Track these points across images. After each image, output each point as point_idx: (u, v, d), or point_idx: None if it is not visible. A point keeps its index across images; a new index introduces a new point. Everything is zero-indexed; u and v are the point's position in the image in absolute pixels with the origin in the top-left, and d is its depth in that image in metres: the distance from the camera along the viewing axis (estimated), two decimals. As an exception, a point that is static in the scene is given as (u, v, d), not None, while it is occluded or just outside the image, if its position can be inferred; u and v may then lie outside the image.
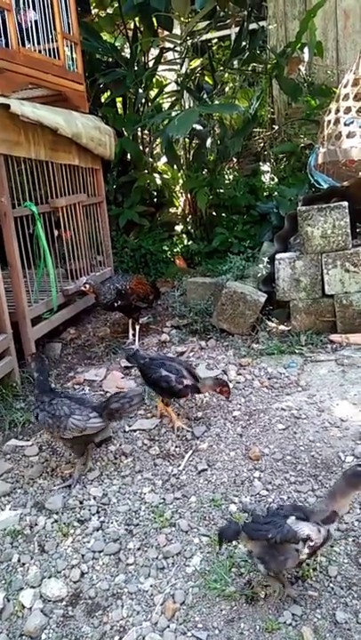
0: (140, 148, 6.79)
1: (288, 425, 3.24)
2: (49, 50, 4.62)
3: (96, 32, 6.32)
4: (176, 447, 3.17)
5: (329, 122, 4.81)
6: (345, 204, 4.24)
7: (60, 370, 4.46)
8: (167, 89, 6.98)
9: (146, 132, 7.01)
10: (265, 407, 3.48)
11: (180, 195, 7.17)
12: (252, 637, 2.00)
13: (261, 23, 6.60)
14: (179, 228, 7.07)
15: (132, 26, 6.66)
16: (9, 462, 3.22)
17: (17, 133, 4.02)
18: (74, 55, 5.08)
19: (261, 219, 6.04)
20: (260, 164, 6.70)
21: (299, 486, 2.72)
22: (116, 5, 6.60)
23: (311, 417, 3.30)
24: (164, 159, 6.92)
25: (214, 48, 7.73)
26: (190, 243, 6.61)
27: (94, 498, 2.81)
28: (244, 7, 6.25)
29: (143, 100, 6.73)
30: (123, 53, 6.81)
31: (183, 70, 6.51)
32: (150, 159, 6.89)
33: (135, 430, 3.38)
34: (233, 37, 7.15)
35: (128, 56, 6.53)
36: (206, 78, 7.07)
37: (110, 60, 6.47)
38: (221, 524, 2.53)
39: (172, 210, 7.24)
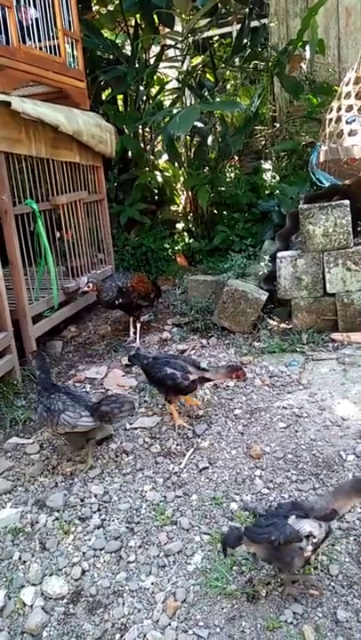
0: (142, 145, 6.78)
1: (289, 423, 3.24)
2: (50, 47, 4.61)
3: (97, 29, 6.30)
4: (177, 445, 3.17)
5: (330, 120, 4.80)
6: (346, 202, 4.23)
7: (60, 368, 4.46)
8: (168, 86, 6.96)
9: (147, 129, 7.00)
10: (266, 405, 3.47)
11: (181, 192, 7.16)
12: (253, 636, 2.00)
13: (263, 21, 6.58)
14: (180, 225, 7.07)
15: (133, 23, 6.64)
16: (10, 460, 3.22)
17: (18, 131, 4.01)
18: (75, 52, 5.06)
19: (263, 217, 6.03)
20: (262, 161, 6.68)
21: (300, 485, 2.72)
22: (117, 2, 6.58)
23: (312, 415, 3.30)
24: (165, 157, 6.91)
25: (216, 45, 7.71)
26: (191, 241, 6.60)
27: (95, 495, 2.81)
28: (246, 4, 6.23)
29: (144, 98, 6.71)
30: (124, 50, 6.79)
31: (184, 68, 6.49)
32: (151, 157, 6.87)
33: (136, 428, 3.38)
34: (234, 35, 7.14)
35: (129, 53, 6.51)
36: (208, 76, 7.06)
37: (111, 57, 6.45)
38: (223, 522, 2.53)
39: (174, 207, 7.23)
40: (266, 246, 5.32)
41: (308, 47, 6.08)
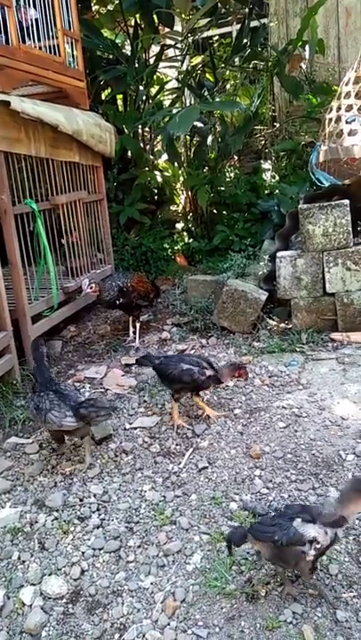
0: (141, 145, 6.77)
1: (289, 423, 3.24)
2: (49, 46, 4.61)
3: (97, 29, 6.29)
4: (177, 445, 3.17)
5: (330, 120, 4.80)
6: (346, 202, 4.23)
7: (60, 367, 4.45)
8: (168, 86, 6.95)
9: (147, 129, 6.99)
10: (266, 405, 3.47)
11: (180, 192, 7.16)
12: (252, 635, 2.00)
13: (263, 20, 6.57)
14: (179, 225, 7.06)
15: (132, 23, 6.64)
16: (9, 460, 3.22)
17: (17, 130, 4.01)
18: (74, 52, 5.06)
19: (262, 217, 6.03)
20: (261, 161, 6.68)
21: (299, 484, 2.72)
22: (117, 2, 6.57)
23: (312, 415, 3.30)
24: (164, 157, 6.91)
25: (215, 45, 7.71)
26: (191, 240, 6.60)
27: (94, 495, 2.80)
28: (246, 4, 6.23)
29: (144, 98, 6.71)
30: (123, 50, 6.78)
31: (184, 67, 6.49)
32: (151, 157, 6.87)
33: (136, 428, 3.38)
34: (234, 34, 7.14)
35: (129, 53, 6.51)
36: (207, 75, 7.06)
37: (111, 56, 6.45)
38: (222, 522, 2.53)
39: (173, 207, 7.23)
40: (265, 246, 5.32)
41: (307, 47, 6.08)
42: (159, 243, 6.40)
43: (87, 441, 3.07)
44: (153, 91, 6.94)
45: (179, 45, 6.30)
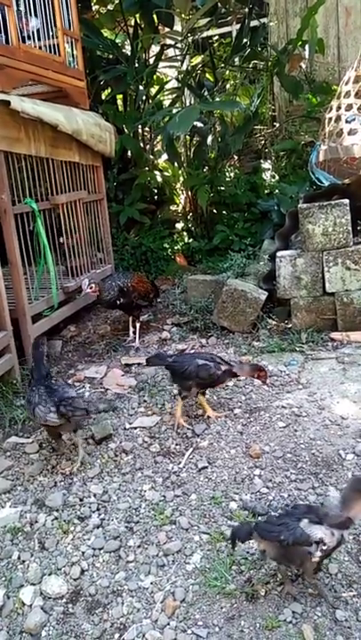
0: (141, 145, 6.77)
1: (289, 423, 3.24)
2: (49, 46, 4.61)
3: (97, 29, 6.29)
4: (176, 445, 3.17)
5: (330, 119, 4.80)
6: (346, 201, 4.23)
7: (60, 367, 4.45)
8: (168, 86, 6.96)
9: (146, 129, 6.99)
10: (265, 405, 3.47)
11: (180, 192, 7.16)
12: (252, 635, 2.00)
13: (263, 20, 6.57)
14: (179, 225, 7.06)
15: (132, 22, 6.63)
16: (9, 459, 3.22)
17: (17, 130, 4.01)
18: (74, 52, 5.06)
19: (262, 216, 6.03)
20: (261, 161, 6.68)
21: (299, 484, 2.72)
22: (117, 2, 6.57)
23: (312, 415, 3.30)
24: (164, 156, 6.91)
25: (215, 45, 7.70)
26: (191, 240, 6.60)
27: (94, 495, 2.80)
28: (246, 4, 6.24)
29: (144, 97, 6.71)
30: (123, 50, 6.78)
31: (184, 67, 6.49)
32: (151, 156, 6.87)
33: (136, 428, 3.38)
34: (234, 34, 7.13)
35: (129, 53, 6.51)
36: (207, 75, 7.06)
37: (111, 56, 6.45)
38: (222, 521, 2.53)
39: (173, 207, 7.23)
40: (265, 246, 5.32)
41: (307, 46, 6.08)
42: (159, 242, 6.40)
43: (79, 437, 3.10)
44: (153, 90, 6.94)
45: (179, 45, 6.29)
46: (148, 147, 6.86)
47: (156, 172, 6.85)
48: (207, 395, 3.61)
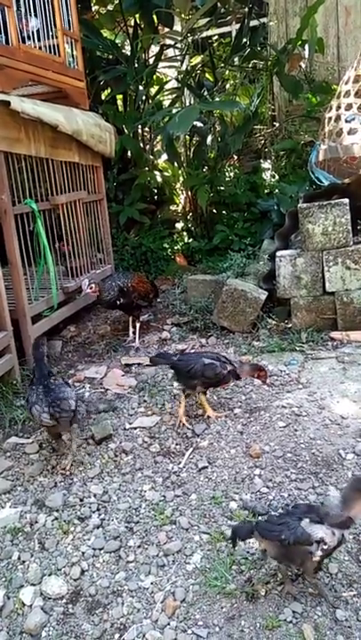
0: (141, 145, 6.77)
1: (289, 422, 3.24)
2: (49, 46, 4.60)
3: (96, 29, 6.29)
4: (176, 445, 3.17)
5: (330, 119, 4.80)
6: (346, 201, 4.23)
7: (60, 367, 4.45)
8: (168, 86, 6.96)
9: (146, 129, 6.99)
10: (265, 405, 3.47)
11: (180, 192, 7.16)
12: (252, 635, 2.00)
13: (262, 20, 6.57)
14: (179, 225, 7.06)
15: (132, 23, 6.63)
16: (9, 460, 3.22)
17: (17, 130, 4.01)
18: (74, 52, 5.06)
19: (262, 216, 6.03)
20: (261, 161, 6.68)
21: (299, 484, 2.71)
22: (117, 2, 6.57)
23: (312, 414, 3.29)
24: (164, 156, 6.91)
25: (215, 45, 7.71)
26: (191, 240, 6.60)
27: (95, 495, 2.80)
28: (245, 4, 6.24)
29: (144, 98, 6.71)
30: (123, 50, 6.78)
31: (184, 67, 6.49)
32: (151, 156, 6.87)
33: (135, 428, 3.38)
34: (234, 34, 7.13)
35: (128, 53, 6.51)
36: (207, 75, 7.06)
37: (111, 57, 6.45)
38: (222, 521, 2.53)
39: (173, 207, 7.23)
40: (265, 246, 5.32)
41: (307, 46, 6.08)
42: (159, 243, 6.41)
43: (74, 436, 3.13)
44: (153, 91, 6.94)
45: (178, 45, 6.30)
46: (147, 147, 6.87)
47: (156, 172, 6.86)
48: (207, 394, 3.61)
